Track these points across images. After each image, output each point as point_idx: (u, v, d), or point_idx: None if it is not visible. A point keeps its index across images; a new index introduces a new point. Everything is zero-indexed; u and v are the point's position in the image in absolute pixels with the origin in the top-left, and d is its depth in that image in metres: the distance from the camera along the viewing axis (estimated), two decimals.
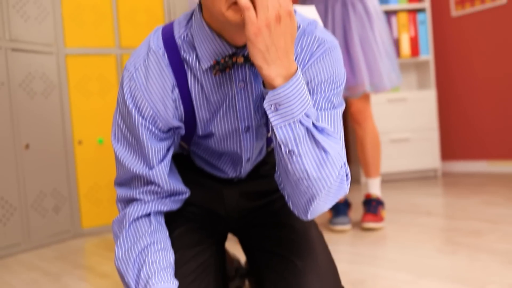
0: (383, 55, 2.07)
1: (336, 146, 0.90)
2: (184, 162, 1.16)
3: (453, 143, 3.54)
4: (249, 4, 0.78)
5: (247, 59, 0.91)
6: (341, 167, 0.90)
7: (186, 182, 1.10)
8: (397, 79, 2.12)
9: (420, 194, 2.69)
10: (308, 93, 0.86)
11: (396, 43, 3.33)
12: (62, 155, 2.18)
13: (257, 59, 0.81)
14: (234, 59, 0.91)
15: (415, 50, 3.36)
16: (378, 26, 2.10)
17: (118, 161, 0.99)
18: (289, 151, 0.85)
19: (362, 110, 2.14)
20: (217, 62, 0.91)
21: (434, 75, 3.49)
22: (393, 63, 2.13)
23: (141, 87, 0.95)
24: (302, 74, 0.94)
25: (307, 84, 0.95)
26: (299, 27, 0.98)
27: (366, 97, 2.14)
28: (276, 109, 0.84)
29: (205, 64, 0.93)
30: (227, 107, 0.98)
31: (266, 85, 0.84)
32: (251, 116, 1.00)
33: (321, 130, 0.88)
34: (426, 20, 3.36)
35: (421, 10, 3.41)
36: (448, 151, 3.56)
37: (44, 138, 2.11)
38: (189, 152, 1.12)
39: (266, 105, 0.83)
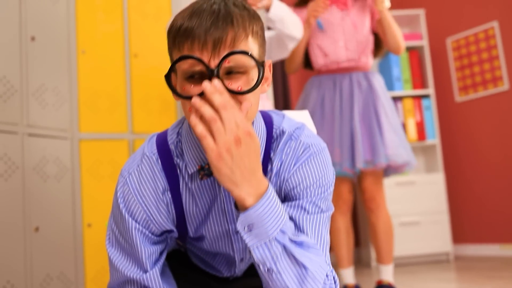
0: (386, 131, 2.09)
1: (317, 259, 0.88)
2: (180, 258, 1.15)
3: (464, 226, 3.49)
4: (205, 133, 0.79)
5: None
6: (325, 278, 0.89)
7: (181, 279, 1.09)
8: (407, 155, 2.11)
9: (432, 279, 2.63)
10: (282, 209, 0.86)
11: (403, 128, 3.40)
12: (70, 238, 2.19)
13: (224, 182, 0.82)
14: None
15: (421, 135, 3.42)
16: (383, 104, 2.14)
17: (112, 265, 0.99)
18: (268, 270, 0.85)
19: (375, 197, 2.14)
20: (202, 167, 0.93)
21: (442, 158, 3.51)
22: (402, 140, 2.13)
23: (134, 191, 0.96)
24: (288, 180, 0.95)
25: (293, 189, 0.95)
26: (284, 132, 0.98)
27: (378, 184, 2.15)
28: (250, 230, 0.83)
29: (191, 169, 0.95)
30: (217, 210, 0.99)
31: (238, 206, 0.84)
32: None
33: (299, 244, 0.87)
34: (431, 105, 3.45)
35: (426, 96, 3.50)
36: (460, 234, 3.51)
37: (54, 221, 2.13)
38: (186, 250, 1.13)
39: (239, 227, 0.83)
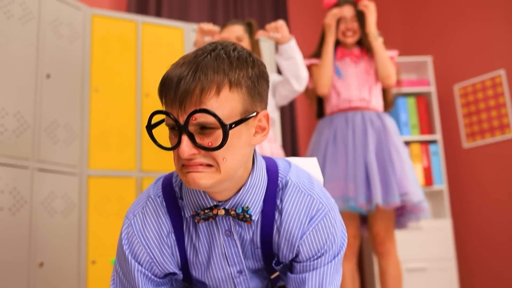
0: (399, 170, 2.09)
1: None
2: None
3: (472, 274, 3.44)
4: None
5: (228, 212, 0.94)
6: None
7: None
8: (421, 194, 2.09)
9: None
10: None
11: None
12: (75, 274, 2.19)
13: None
14: (215, 211, 0.94)
15: (428, 180, 3.41)
16: (395, 144, 2.15)
17: None
18: None
19: (385, 242, 2.12)
20: (197, 213, 0.95)
21: (449, 204, 3.49)
22: (414, 180, 2.12)
23: (138, 234, 0.97)
24: (303, 239, 0.97)
25: (309, 250, 0.98)
26: (291, 183, 0.99)
27: (390, 228, 2.13)
28: None
29: (188, 213, 0.97)
30: (218, 254, 1.00)
31: None
32: (241, 261, 1.01)
33: None
34: (438, 151, 3.45)
35: (433, 142, 3.51)
36: (468, 282, 3.45)
37: (58, 257, 2.13)
38: None
39: None
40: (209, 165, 0.87)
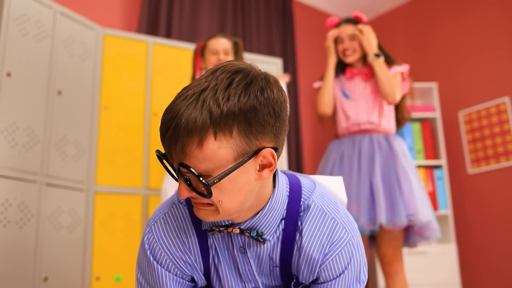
0: (406, 191, 2.08)
1: None
2: None
3: None
4: None
5: (243, 232, 0.95)
6: None
7: None
8: (431, 214, 2.08)
9: None
10: None
11: None
12: None
13: None
14: (230, 229, 0.94)
15: (433, 205, 3.41)
16: (403, 165, 2.14)
17: None
18: None
19: (393, 263, 2.11)
20: (211, 229, 0.95)
21: (454, 229, 3.48)
22: (424, 200, 2.11)
23: (159, 239, 0.98)
24: (325, 263, 0.97)
25: (331, 273, 0.97)
26: (314, 206, 0.98)
27: (397, 249, 2.11)
28: None
29: (204, 226, 0.98)
30: (234, 269, 1.01)
31: None
32: (255, 278, 1.01)
33: None
34: (443, 176, 3.46)
35: (438, 167, 3.52)
36: None
37: (63, 272, 2.13)
38: None
39: None
40: (210, 204, 0.88)
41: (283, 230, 0.96)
